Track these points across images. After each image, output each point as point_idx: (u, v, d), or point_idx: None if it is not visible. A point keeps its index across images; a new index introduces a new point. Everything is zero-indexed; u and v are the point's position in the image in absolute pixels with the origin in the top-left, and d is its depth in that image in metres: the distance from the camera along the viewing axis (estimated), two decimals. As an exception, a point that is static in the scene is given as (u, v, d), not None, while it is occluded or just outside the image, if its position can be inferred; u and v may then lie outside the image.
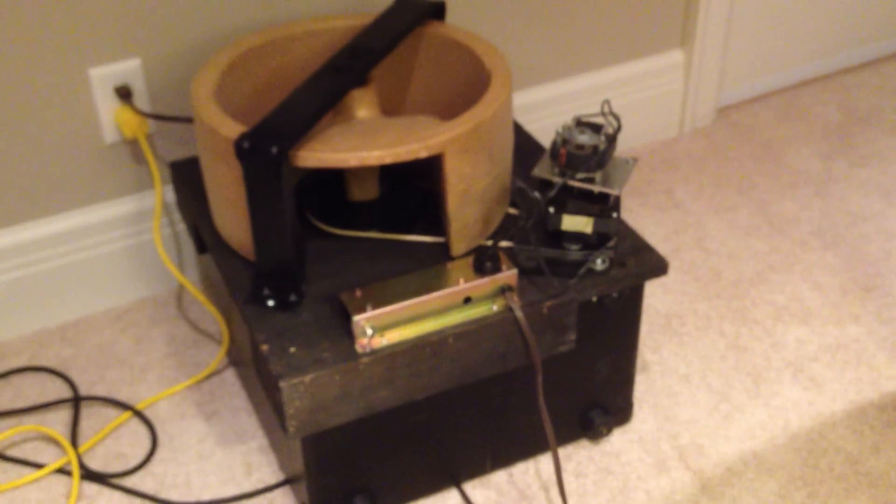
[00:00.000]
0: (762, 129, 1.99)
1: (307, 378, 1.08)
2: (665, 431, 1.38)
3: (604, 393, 1.34)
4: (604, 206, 1.18)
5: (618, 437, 1.37)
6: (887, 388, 1.43)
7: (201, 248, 1.38)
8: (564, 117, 1.83)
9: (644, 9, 1.81)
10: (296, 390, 1.08)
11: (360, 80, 1.26)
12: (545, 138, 1.82)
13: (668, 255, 1.68)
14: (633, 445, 1.36)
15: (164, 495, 1.31)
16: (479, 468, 1.31)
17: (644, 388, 1.44)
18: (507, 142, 1.26)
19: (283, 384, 1.07)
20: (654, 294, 1.60)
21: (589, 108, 1.85)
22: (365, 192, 1.30)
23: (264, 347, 1.12)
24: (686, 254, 1.68)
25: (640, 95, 1.89)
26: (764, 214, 1.76)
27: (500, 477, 1.32)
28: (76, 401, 1.43)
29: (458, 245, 1.22)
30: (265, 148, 1.09)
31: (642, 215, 1.77)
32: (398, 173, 1.35)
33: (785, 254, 1.68)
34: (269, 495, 1.31)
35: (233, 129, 1.16)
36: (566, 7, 1.73)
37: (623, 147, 1.94)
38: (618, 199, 1.20)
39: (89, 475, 1.33)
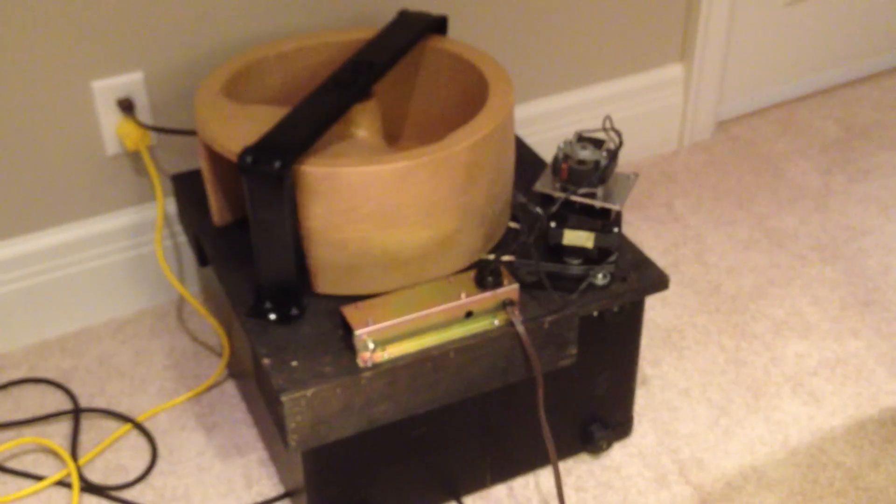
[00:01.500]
0: (761, 143, 1.99)
1: (309, 392, 1.08)
2: (665, 446, 1.38)
3: (604, 407, 1.34)
4: (605, 221, 1.19)
5: (618, 452, 1.37)
6: (887, 402, 1.44)
7: (203, 260, 1.38)
8: (565, 130, 1.83)
9: (644, 23, 1.81)
10: (297, 404, 1.08)
11: (363, 95, 1.26)
12: (546, 151, 1.82)
13: (667, 268, 1.68)
14: (634, 460, 1.36)
15: (164, 508, 1.31)
16: (479, 482, 1.31)
17: (644, 403, 1.44)
18: (458, 196, 1.17)
19: (284, 398, 1.08)
20: (654, 308, 1.60)
21: (589, 122, 1.85)
22: None
23: (266, 361, 1.12)
24: (686, 267, 1.68)
25: (639, 109, 1.90)
26: (763, 228, 1.77)
27: (500, 491, 1.32)
28: (76, 413, 1.42)
29: (320, 284, 1.19)
30: (268, 162, 1.09)
31: (642, 229, 1.77)
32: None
33: (784, 268, 1.68)
34: (269, 508, 1.31)
35: (236, 142, 1.16)
36: (567, 21, 1.74)
37: (622, 160, 1.95)
38: (619, 215, 1.20)
39: (89, 487, 1.33)
